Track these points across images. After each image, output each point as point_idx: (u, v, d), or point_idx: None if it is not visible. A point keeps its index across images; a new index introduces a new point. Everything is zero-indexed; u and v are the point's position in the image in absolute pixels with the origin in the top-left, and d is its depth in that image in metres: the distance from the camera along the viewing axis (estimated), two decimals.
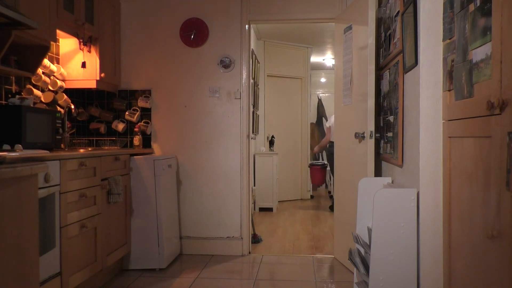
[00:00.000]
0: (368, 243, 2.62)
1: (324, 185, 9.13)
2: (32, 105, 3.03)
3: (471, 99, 1.75)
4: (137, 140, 4.00)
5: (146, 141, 4.10)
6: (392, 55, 2.89)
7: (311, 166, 7.26)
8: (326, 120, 8.90)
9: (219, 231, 4.05)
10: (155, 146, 4.12)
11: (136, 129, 4.02)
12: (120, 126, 4.05)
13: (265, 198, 6.48)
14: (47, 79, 3.36)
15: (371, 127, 3.17)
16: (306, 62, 7.69)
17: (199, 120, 4.07)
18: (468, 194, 1.81)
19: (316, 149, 7.07)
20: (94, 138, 4.06)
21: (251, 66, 4.55)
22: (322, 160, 8.89)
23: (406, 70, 2.52)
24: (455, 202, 2.00)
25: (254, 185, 6.25)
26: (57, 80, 3.47)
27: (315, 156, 8.82)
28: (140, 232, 3.55)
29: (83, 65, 3.50)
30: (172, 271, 3.54)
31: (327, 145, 6.88)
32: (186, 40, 4.05)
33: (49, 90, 3.44)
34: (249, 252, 4.09)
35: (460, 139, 1.90)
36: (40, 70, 3.24)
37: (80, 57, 3.56)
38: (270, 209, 6.44)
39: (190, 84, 4.07)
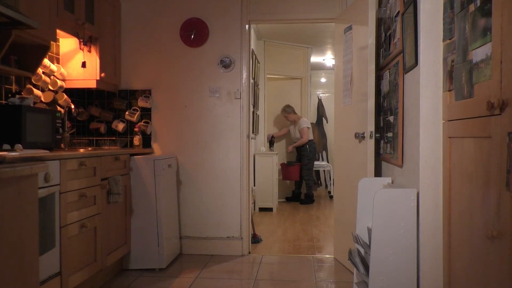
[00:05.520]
0: (368, 243, 2.62)
1: (324, 185, 9.14)
2: (32, 105, 3.02)
3: (471, 100, 1.75)
4: (137, 140, 4.00)
5: (146, 141, 4.10)
6: (392, 55, 2.89)
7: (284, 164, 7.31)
8: (326, 120, 8.90)
9: (219, 231, 4.05)
10: (155, 146, 4.12)
11: (136, 129, 4.02)
12: (120, 126, 4.05)
13: (265, 198, 6.48)
14: (47, 79, 3.36)
15: (371, 127, 3.17)
16: (306, 62, 7.69)
17: (199, 120, 4.07)
18: (468, 194, 1.81)
19: (290, 148, 7.18)
20: (94, 138, 4.06)
21: (251, 66, 4.55)
22: (322, 159, 8.89)
23: (406, 70, 2.52)
24: (455, 202, 2.00)
25: (254, 185, 6.25)
26: (57, 80, 3.47)
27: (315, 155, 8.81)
28: (140, 232, 3.55)
29: (83, 65, 3.50)
30: (172, 271, 3.54)
31: (307, 145, 6.97)
32: (186, 40, 4.05)
33: (49, 89, 3.44)
34: (249, 252, 4.09)
35: (460, 139, 1.90)
36: (40, 70, 3.24)
37: (80, 57, 3.56)
38: (270, 209, 6.44)
39: (190, 84, 4.07)
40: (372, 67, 3.17)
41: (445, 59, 2.11)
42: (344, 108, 3.72)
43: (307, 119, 7.34)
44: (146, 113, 4.11)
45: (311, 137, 7.10)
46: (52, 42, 3.08)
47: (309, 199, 7.11)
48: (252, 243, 4.26)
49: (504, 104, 1.43)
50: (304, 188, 7.25)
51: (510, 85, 1.41)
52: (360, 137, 3.27)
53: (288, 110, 7.16)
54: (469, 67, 1.76)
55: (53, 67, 3.40)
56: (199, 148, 4.08)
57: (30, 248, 1.98)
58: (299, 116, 7.19)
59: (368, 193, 2.73)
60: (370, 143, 3.16)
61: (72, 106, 3.59)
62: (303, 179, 7.14)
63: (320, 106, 8.97)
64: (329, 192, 8.15)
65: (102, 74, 3.64)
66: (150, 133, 4.11)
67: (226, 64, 4.03)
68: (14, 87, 3.07)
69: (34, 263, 2.02)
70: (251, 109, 4.67)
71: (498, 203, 1.49)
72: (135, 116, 4.05)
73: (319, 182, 9.16)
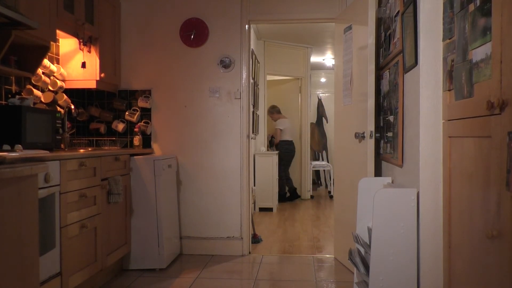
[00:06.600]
0: (368, 243, 2.62)
1: (324, 185, 9.15)
2: (32, 105, 3.02)
3: (471, 99, 1.75)
4: (137, 140, 4.00)
5: (146, 141, 4.10)
6: (392, 55, 2.89)
7: None
8: (327, 120, 8.91)
9: (219, 231, 4.05)
10: (155, 146, 4.12)
11: (136, 129, 4.02)
12: (120, 126, 4.05)
13: (265, 198, 6.48)
14: (47, 79, 3.36)
15: (371, 127, 3.17)
16: (306, 62, 7.69)
17: (199, 120, 4.07)
18: (468, 194, 1.81)
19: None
20: (94, 138, 4.06)
21: (251, 66, 4.55)
22: (322, 159, 8.89)
23: (406, 70, 2.52)
24: (455, 202, 2.00)
25: (254, 185, 6.25)
26: (57, 80, 3.47)
27: (315, 155, 8.83)
28: (140, 232, 3.55)
29: (83, 65, 3.50)
30: (172, 271, 3.54)
31: (279, 145, 7.02)
32: (186, 40, 4.05)
33: (49, 90, 3.44)
34: (249, 252, 4.09)
35: (460, 139, 1.90)
36: (40, 70, 3.24)
37: (80, 57, 3.56)
38: (270, 209, 6.44)
39: (190, 84, 4.07)
40: (372, 67, 3.17)
41: (445, 59, 2.11)
42: (344, 108, 3.72)
43: (286, 119, 7.27)
44: (146, 113, 4.11)
45: (287, 138, 7.13)
46: (52, 43, 3.08)
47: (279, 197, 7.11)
48: (252, 243, 4.26)
49: (504, 104, 1.43)
50: (296, 186, 7.32)
51: (510, 84, 1.41)
52: (360, 137, 3.27)
53: (271, 110, 7.29)
54: (469, 67, 1.76)
55: (53, 67, 3.40)
56: (199, 148, 4.08)
57: (30, 248, 1.98)
58: (279, 116, 7.25)
59: (368, 193, 2.73)
60: (370, 143, 3.16)
61: (72, 107, 3.59)
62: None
63: (320, 106, 8.98)
64: (329, 192, 8.16)
65: (102, 75, 3.64)
66: (150, 133, 4.11)
67: (226, 64, 4.03)
68: (14, 88, 3.07)
69: (34, 263, 2.03)
70: (251, 109, 4.67)
71: (498, 203, 1.49)
72: (135, 116, 4.05)
73: (319, 182, 9.17)
